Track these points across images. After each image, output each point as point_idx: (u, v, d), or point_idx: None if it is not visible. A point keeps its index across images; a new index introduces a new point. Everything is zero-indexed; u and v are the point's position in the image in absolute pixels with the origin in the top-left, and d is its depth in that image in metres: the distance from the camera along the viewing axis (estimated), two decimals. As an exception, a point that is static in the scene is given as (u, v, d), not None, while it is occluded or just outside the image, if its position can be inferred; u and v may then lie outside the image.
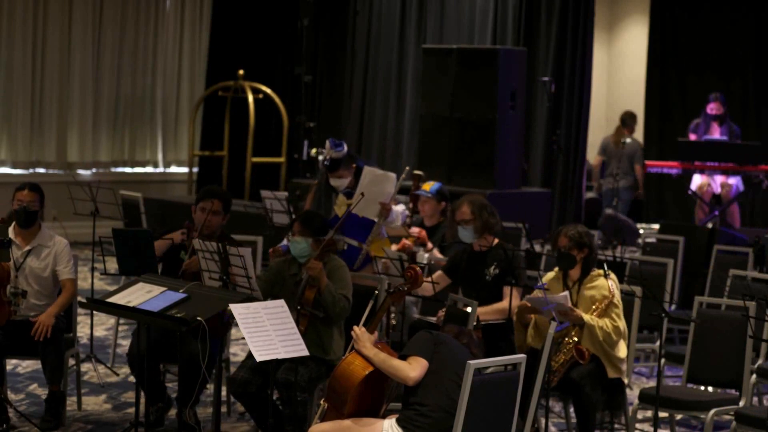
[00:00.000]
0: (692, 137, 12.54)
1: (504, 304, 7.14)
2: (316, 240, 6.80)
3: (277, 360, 5.92)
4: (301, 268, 6.86)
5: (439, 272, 7.61)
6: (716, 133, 12.47)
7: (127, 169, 15.42)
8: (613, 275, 6.97)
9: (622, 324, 6.84)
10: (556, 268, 7.10)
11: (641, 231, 12.50)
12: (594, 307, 6.84)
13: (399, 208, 8.17)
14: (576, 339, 6.80)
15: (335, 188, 8.16)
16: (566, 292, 6.83)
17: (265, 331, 5.88)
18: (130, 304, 6.37)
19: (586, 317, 6.77)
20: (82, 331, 9.52)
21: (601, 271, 6.95)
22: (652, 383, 7.67)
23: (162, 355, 7.15)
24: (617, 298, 6.87)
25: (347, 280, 6.82)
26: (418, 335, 5.85)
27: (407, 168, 8.84)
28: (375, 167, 8.42)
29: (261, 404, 6.59)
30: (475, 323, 6.80)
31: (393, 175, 8.10)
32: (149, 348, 6.84)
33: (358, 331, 5.85)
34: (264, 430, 6.65)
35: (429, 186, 8.77)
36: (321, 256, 6.73)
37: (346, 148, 8.13)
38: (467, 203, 7.53)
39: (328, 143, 8.17)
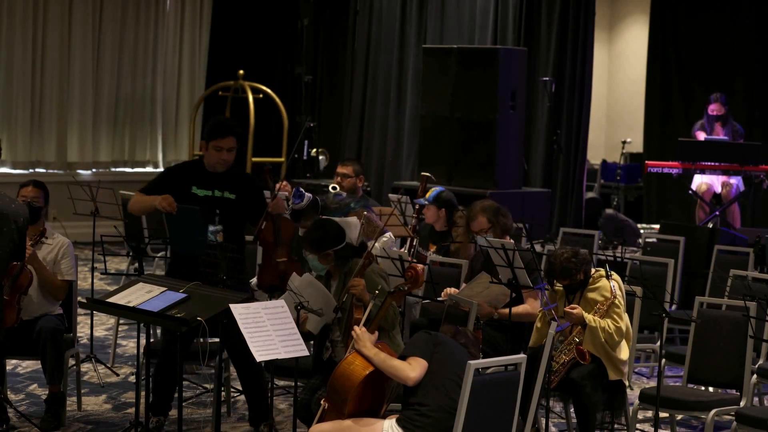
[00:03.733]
0: (700, 136, 12.50)
1: (526, 307, 7.16)
2: (322, 255, 6.54)
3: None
4: (328, 280, 6.60)
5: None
6: (720, 134, 12.46)
7: (127, 169, 15.43)
8: (615, 275, 6.95)
9: (624, 324, 6.82)
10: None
11: (642, 231, 12.49)
12: (596, 308, 6.83)
13: (380, 243, 8.08)
14: (578, 339, 6.80)
15: None
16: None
17: (265, 331, 5.87)
18: (130, 304, 6.37)
19: (588, 317, 6.76)
20: (82, 331, 9.52)
21: (602, 271, 6.94)
22: (653, 383, 7.67)
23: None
24: (619, 298, 6.85)
25: (383, 275, 6.56)
26: (417, 336, 5.85)
27: (378, 209, 8.74)
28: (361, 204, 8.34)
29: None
30: (474, 323, 6.80)
31: (355, 220, 8.06)
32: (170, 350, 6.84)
33: (359, 331, 5.85)
34: None
35: (430, 192, 8.72)
36: (361, 274, 6.38)
37: (306, 199, 8.08)
38: (481, 213, 7.53)
39: (292, 192, 8.13)
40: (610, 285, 6.86)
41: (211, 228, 7.08)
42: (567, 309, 6.80)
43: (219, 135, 7.09)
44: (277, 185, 7.41)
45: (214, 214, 7.08)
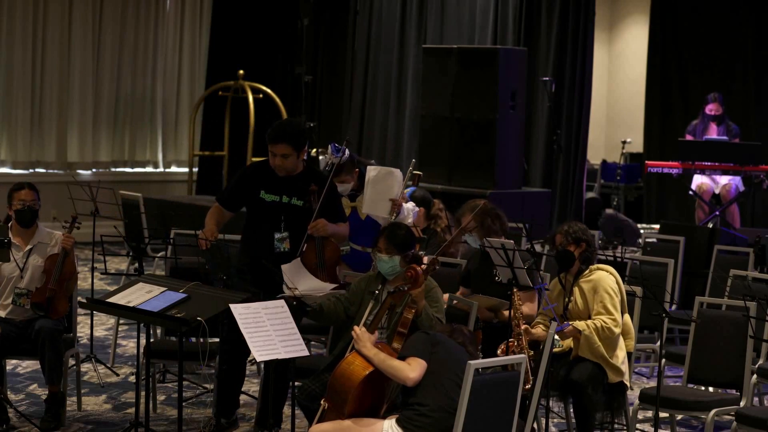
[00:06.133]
0: (689, 139, 12.53)
1: (523, 309, 7.16)
2: (404, 256, 6.37)
3: None
4: (383, 285, 6.45)
5: (461, 289, 7.59)
6: (714, 133, 12.47)
7: (127, 169, 15.43)
8: (611, 269, 6.90)
9: (619, 315, 6.74)
10: (555, 279, 7.07)
11: (642, 231, 12.49)
12: (587, 300, 6.80)
13: (409, 205, 8.13)
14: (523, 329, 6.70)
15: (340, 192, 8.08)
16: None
17: (265, 331, 5.87)
18: (130, 304, 6.38)
19: (582, 325, 6.70)
20: (82, 331, 9.52)
21: (595, 266, 6.91)
22: (653, 383, 7.67)
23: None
24: (614, 291, 6.77)
25: (441, 302, 6.45)
26: (415, 336, 5.85)
27: (414, 160, 8.80)
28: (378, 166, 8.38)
29: None
30: (475, 323, 6.79)
31: (398, 171, 8.05)
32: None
33: (359, 331, 5.85)
34: None
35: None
36: (425, 274, 6.24)
37: (347, 152, 8.07)
38: (469, 211, 7.55)
39: (329, 148, 8.12)
40: (603, 275, 6.81)
41: (277, 235, 6.94)
42: (558, 334, 6.66)
43: (270, 140, 6.88)
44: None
45: (280, 220, 6.93)
